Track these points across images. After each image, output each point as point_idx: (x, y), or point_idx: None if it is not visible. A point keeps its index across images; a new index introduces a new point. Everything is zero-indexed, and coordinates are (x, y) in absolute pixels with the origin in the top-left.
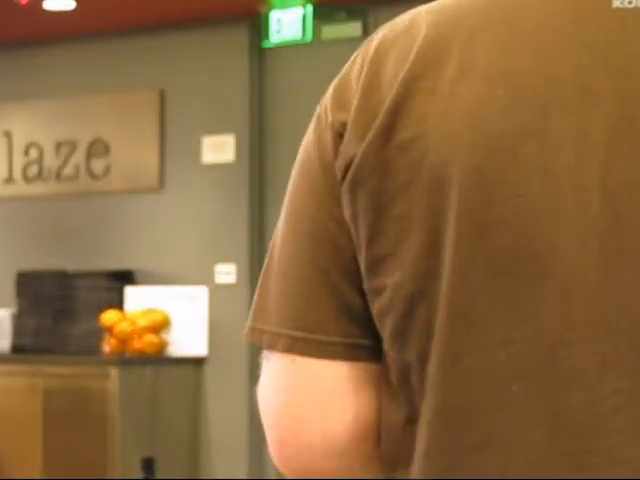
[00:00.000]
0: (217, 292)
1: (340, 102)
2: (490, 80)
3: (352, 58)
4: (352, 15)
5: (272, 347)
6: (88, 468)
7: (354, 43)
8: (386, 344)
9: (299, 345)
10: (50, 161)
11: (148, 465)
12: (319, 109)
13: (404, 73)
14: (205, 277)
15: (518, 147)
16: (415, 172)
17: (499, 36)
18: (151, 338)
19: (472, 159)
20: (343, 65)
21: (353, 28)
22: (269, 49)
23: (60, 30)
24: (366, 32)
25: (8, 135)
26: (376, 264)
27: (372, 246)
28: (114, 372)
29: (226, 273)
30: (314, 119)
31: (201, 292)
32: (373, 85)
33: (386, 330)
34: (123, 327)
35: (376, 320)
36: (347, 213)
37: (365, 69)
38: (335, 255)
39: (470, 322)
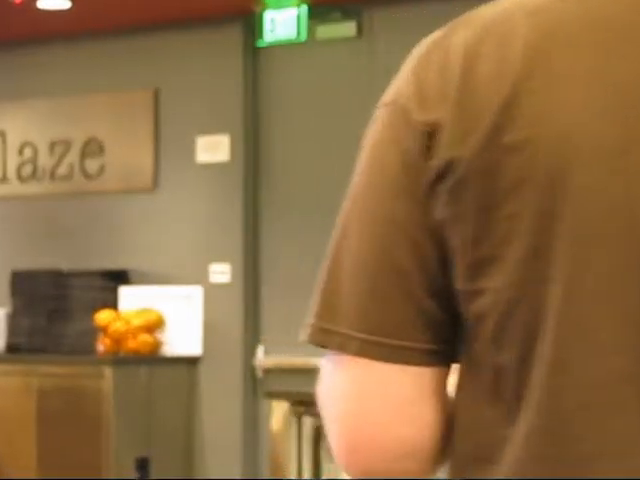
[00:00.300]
0: (211, 292)
1: (426, 100)
2: (595, 84)
3: (422, 53)
4: (346, 15)
5: (342, 349)
6: (82, 468)
7: (349, 43)
8: (480, 346)
9: (372, 349)
10: (44, 161)
11: (142, 465)
12: (391, 106)
13: (510, 74)
14: (199, 277)
15: (632, 152)
16: (526, 173)
17: (598, 40)
18: (145, 338)
19: (588, 164)
20: (338, 64)
21: (348, 28)
22: (263, 49)
23: (55, 29)
24: (360, 32)
25: (2, 134)
26: (479, 266)
27: (476, 247)
28: (108, 372)
29: (220, 273)
30: (384, 115)
31: (195, 292)
32: (469, 83)
33: (482, 333)
34: (117, 327)
35: (471, 322)
36: (443, 215)
37: (455, 65)
38: (414, 258)
39: (584, 328)
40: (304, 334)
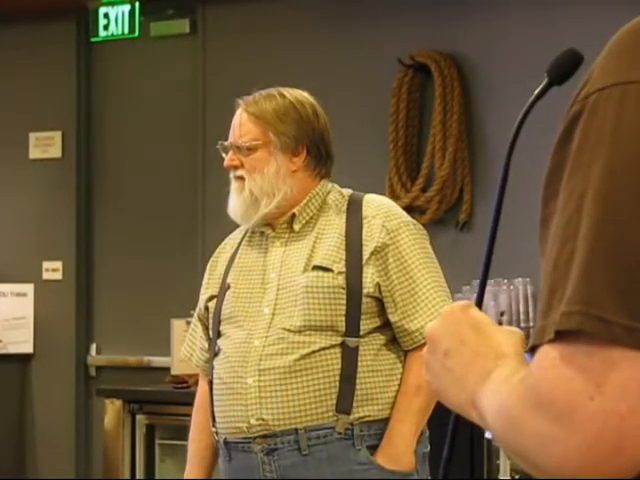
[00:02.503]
0: (43, 289)
1: None
2: None
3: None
4: (180, 12)
5: (618, 341)
6: None
7: (182, 40)
8: None
9: None
10: None
11: None
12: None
13: None
14: (32, 274)
15: None
16: None
17: None
18: None
19: None
20: (172, 61)
21: (181, 25)
22: (97, 44)
23: None
24: (194, 29)
25: None
26: None
27: None
28: None
29: (53, 270)
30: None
31: (27, 289)
32: None
33: None
34: None
35: None
36: None
37: None
38: None
39: None
40: (567, 319)
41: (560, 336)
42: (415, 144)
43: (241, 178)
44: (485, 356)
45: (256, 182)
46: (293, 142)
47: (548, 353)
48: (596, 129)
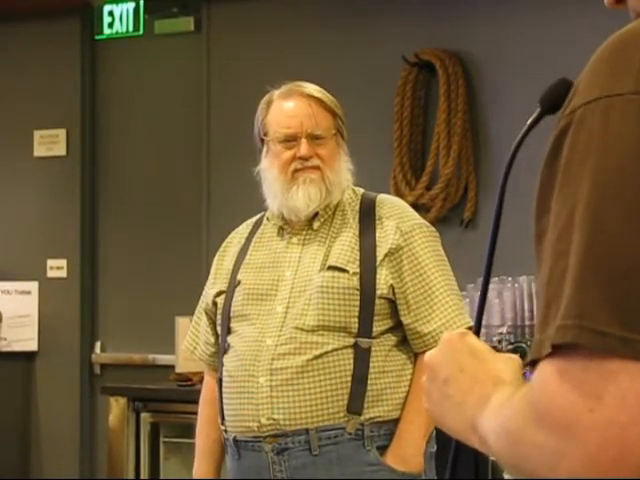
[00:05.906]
0: (48, 287)
1: None
2: None
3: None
4: (184, 10)
5: (615, 352)
6: None
7: (187, 38)
8: None
9: None
10: None
11: None
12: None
13: None
14: (36, 272)
15: None
16: None
17: None
18: None
19: None
20: (176, 59)
21: (186, 23)
22: (101, 42)
23: None
24: (199, 27)
25: None
26: None
27: None
28: None
29: (57, 268)
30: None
31: (32, 287)
32: None
33: None
34: None
35: None
36: None
37: None
38: None
39: None
40: (562, 333)
41: (557, 350)
42: (419, 142)
43: (317, 168)
44: (484, 382)
45: (333, 172)
46: (345, 135)
47: (547, 367)
48: (583, 143)
